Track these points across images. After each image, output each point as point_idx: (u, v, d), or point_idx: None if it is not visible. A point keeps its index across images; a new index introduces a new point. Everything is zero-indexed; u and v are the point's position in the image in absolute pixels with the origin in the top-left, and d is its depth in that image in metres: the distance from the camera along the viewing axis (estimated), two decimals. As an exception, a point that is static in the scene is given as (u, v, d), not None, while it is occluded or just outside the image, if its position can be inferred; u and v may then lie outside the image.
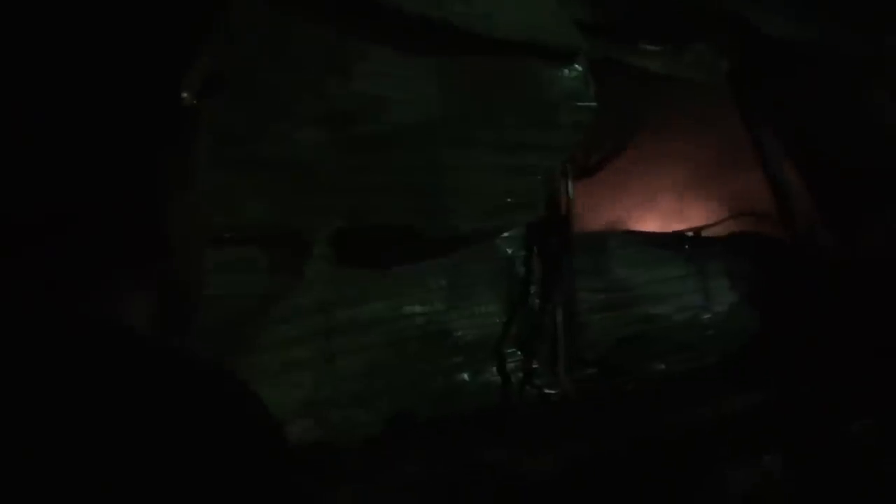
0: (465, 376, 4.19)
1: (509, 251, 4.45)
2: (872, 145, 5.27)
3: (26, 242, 0.91)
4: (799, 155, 5.44)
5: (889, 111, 5.19)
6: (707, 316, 5.21)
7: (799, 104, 5.33)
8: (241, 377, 0.95)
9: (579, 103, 4.01)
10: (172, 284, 0.99)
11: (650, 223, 5.87)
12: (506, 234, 4.35)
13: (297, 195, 3.14)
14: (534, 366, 4.46)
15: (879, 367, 4.66)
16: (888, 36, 5.10)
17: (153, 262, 0.95)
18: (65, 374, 0.86)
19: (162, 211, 0.94)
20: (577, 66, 3.98)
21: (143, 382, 0.87)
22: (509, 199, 3.94)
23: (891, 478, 4.08)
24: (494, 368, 4.35)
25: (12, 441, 0.81)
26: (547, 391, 4.47)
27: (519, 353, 4.44)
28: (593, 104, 4.03)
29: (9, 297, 0.92)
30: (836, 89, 5.23)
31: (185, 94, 0.88)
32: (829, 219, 5.45)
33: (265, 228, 3.11)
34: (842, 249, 5.38)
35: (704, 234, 5.52)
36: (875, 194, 5.30)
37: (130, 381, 0.87)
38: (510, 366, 4.39)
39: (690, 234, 5.47)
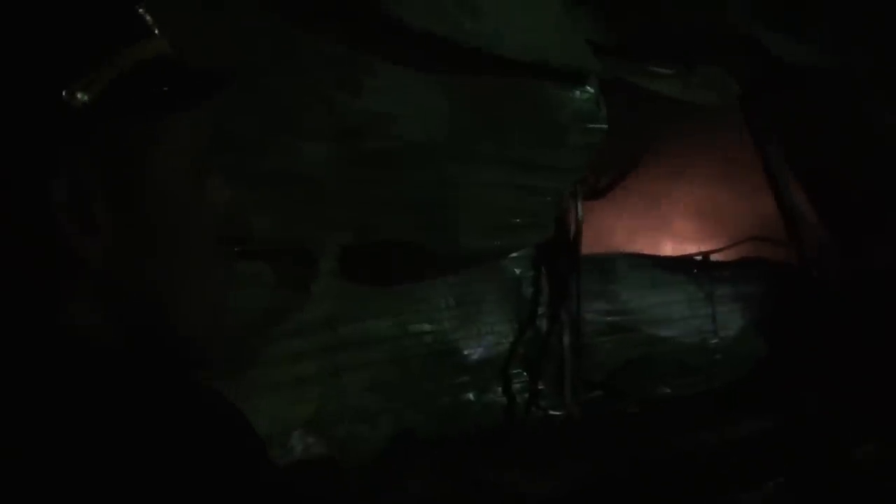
0: (471, 396, 4.18)
1: (517, 271, 4.45)
2: (880, 164, 5.27)
3: None
4: (806, 174, 5.44)
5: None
6: (714, 340, 5.20)
7: (809, 127, 5.33)
8: (232, 395, 0.94)
9: (590, 125, 4.00)
10: (143, 301, 0.97)
11: (657, 245, 5.87)
12: (514, 254, 4.34)
13: (304, 209, 3.13)
14: (539, 387, 4.45)
15: (885, 391, 4.64)
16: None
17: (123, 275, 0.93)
18: (41, 389, 0.85)
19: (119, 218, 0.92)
20: (588, 87, 3.98)
21: (127, 401, 0.86)
22: (518, 219, 3.93)
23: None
24: (500, 388, 4.34)
25: None
26: (552, 412, 4.46)
27: (525, 373, 4.43)
28: (604, 126, 4.03)
29: None
30: (846, 113, 5.23)
31: (76, 95, 0.87)
32: (838, 242, 5.45)
33: (271, 242, 3.11)
34: (850, 274, 5.37)
35: (713, 257, 5.50)
36: (884, 219, 5.30)
37: (112, 400, 0.85)
38: (516, 386, 4.38)
39: (699, 257, 5.46)
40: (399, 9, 3.12)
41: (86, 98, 0.87)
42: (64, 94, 0.86)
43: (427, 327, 3.95)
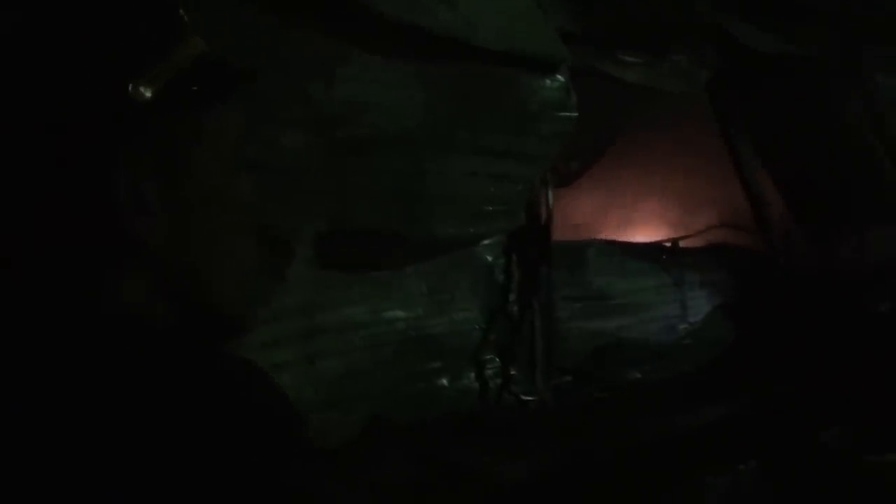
0: (444, 381, 4.21)
1: (489, 258, 4.47)
2: (849, 161, 5.33)
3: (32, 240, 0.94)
4: (775, 166, 5.49)
5: (865, 125, 5.25)
6: (683, 326, 5.25)
7: (776, 116, 5.38)
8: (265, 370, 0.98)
9: (560, 113, 4.04)
10: (188, 280, 1.02)
11: (627, 232, 5.92)
12: (486, 242, 4.37)
13: (281, 198, 3.15)
14: (511, 372, 4.48)
15: (851, 375, 4.71)
16: (865, 49, 5.16)
17: (161, 258, 0.98)
18: (82, 372, 0.88)
19: (164, 205, 0.98)
20: (559, 76, 4.01)
21: (166, 380, 0.90)
22: (490, 207, 3.97)
23: (863, 484, 4.12)
24: (473, 374, 4.37)
25: (34, 438, 0.84)
26: (524, 398, 4.49)
27: (497, 359, 4.46)
28: (574, 114, 4.06)
29: (25, 295, 0.95)
30: (813, 102, 5.28)
31: (141, 90, 0.91)
32: (805, 230, 5.50)
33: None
34: (817, 261, 5.43)
35: (682, 244, 5.55)
36: (850, 209, 5.36)
37: (152, 379, 0.89)
38: (488, 372, 4.41)
39: (668, 244, 5.51)
40: (373, -2, 3.15)
41: (149, 93, 0.92)
42: (130, 88, 0.91)
43: (401, 314, 3.97)
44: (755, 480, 4.14)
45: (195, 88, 0.99)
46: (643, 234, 5.86)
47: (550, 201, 4.62)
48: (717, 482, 4.13)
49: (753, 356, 5.15)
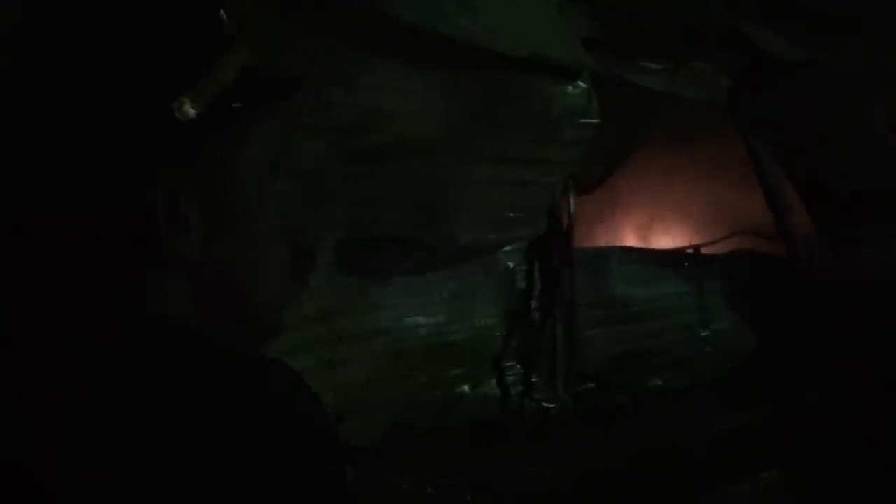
0: (465, 388, 4.21)
1: (511, 265, 4.47)
2: (871, 167, 5.30)
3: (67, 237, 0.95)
4: (797, 174, 5.47)
5: (888, 133, 5.22)
6: (705, 333, 5.23)
7: (797, 123, 5.36)
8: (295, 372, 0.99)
9: (582, 119, 4.03)
10: (225, 290, 1.04)
11: (648, 238, 5.90)
12: (507, 248, 4.37)
13: (301, 205, 3.16)
14: (533, 379, 4.48)
15: (875, 383, 4.68)
16: (887, 57, 5.13)
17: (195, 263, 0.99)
18: (124, 373, 0.89)
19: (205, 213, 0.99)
20: (580, 82, 4.01)
21: (198, 380, 0.91)
22: (511, 214, 3.97)
23: (886, 494, 4.09)
24: (494, 381, 4.37)
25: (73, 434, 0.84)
26: (546, 405, 4.48)
27: (518, 366, 4.46)
28: (596, 120, 4.06)
29: (58, 297, 0.96)
30: (835, 109, 5.26)
31: (186, 108, 0.91)
32: (827, 238, 5.47)
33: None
34: (840, 269, 5.40)
35: (704, 251, 5.53)
36: (873, 216, 5.33)
37: (186, 378, 0.90)
38: (509, 379, 4.41)
39: (690, 251, 5.49)
40: (394, 5, 3.15)
41: (194, 111, 0.92)
42: (175, 107, 0.91)
43: (422, 320, 3.98)
44: (777, 490, 4.12)
45: (238, 104, 0.99)
46: (665, 242, 5.85)
47: (572, 208, 4.62)
48: (738, 491, 4.11)
49: (775, 364, 5.13)
